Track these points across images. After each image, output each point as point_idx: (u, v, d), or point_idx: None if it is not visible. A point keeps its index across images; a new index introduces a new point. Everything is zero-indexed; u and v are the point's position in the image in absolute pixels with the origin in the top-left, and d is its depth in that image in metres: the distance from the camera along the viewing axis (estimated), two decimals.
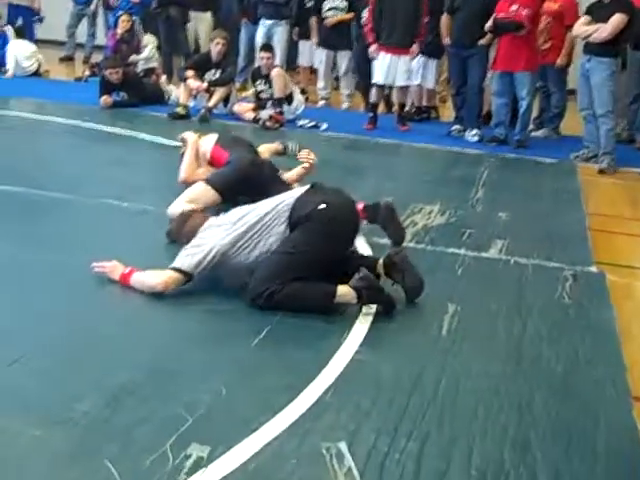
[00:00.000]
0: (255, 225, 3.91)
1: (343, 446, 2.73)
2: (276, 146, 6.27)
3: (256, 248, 3.88)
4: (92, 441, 2.64)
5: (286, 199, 3.98)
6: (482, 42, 8.40)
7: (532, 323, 3.90)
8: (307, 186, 4.11)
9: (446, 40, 8.71)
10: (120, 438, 2.66)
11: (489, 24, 8.20)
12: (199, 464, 2.56)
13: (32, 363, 3.11)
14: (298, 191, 4.08)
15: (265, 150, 6.13)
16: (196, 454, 2.61)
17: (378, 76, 8.75)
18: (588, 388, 3.30)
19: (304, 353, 3.41)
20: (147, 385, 3.02)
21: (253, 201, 5.20)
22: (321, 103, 10.43)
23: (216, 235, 3.93)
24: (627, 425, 3.03)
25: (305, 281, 3.78)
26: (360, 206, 4.80)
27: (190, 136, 5.79)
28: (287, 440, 2.74)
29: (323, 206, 3.87)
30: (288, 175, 5.55)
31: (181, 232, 4.21)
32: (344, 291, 3.79)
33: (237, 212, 4.08)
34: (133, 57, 10.90)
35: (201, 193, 5.05)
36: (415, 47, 8.64)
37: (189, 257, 3.88)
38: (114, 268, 3.98)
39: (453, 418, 2.98)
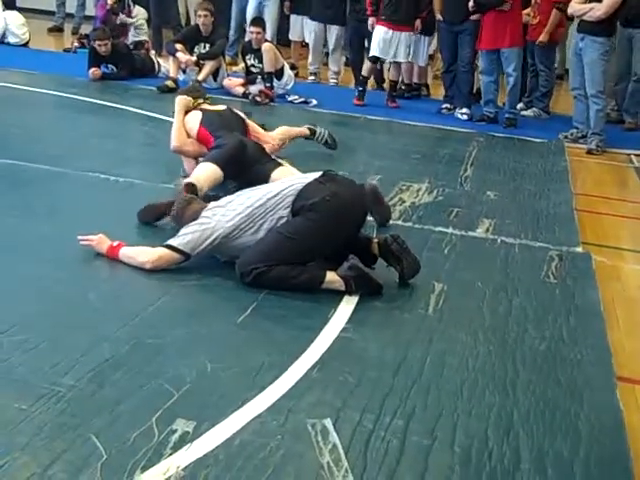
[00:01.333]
0: (259, 208, 3.82)
1: (328, 423, 2.74)
2: (302, 130, 6.26)
3: (260, 230, 3.81)
4: (77, 415, 2.64)
5: (294, 184, 3.88)
6: (474, 17, 8.36)
7: (518, 302, 3.91)
8: (318, 173, 3.98)
9: (438, 16, 8.68)
10: (105, 412, 2.67)
11: (471, 4, 8.18)
12: (184, 439, 2.57)
13: (17, 337, 3.10)
14: (308, 177, 3.96)
15: (284, 132, 6.11)
16: (181, 429, 2.61)
17: (375, 50, 8.72)
18: (572, 368, 3.32)
19: (290, 330, 3.41)
20: (132, 360, 3.02)
21: (241, 181, 5.16)
22: (310, 78, 10.38)
23: (220, 215, 3.86)
24: (610, 405, 3.05)
25: (294, 265, 3.75)
26: None
27: (180, 100, 5.65)
28: (272, 416, 2.75)
29: (328, 198, 3.77)
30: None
31: (183, 217, 4.03)
32: (332, 278, 3.75)
33: (242, 194, 3.99)
34: (122, 17, 10.74)
35: (207, 171, 4.88)
36: (418, 23, 8.67)
37: (189, 235, 3.83)
38: (100, 241, 3.95)
39: (438, 396, 3.00)
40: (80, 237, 3.97)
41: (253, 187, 4.08)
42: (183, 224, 3.97)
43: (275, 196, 3.84)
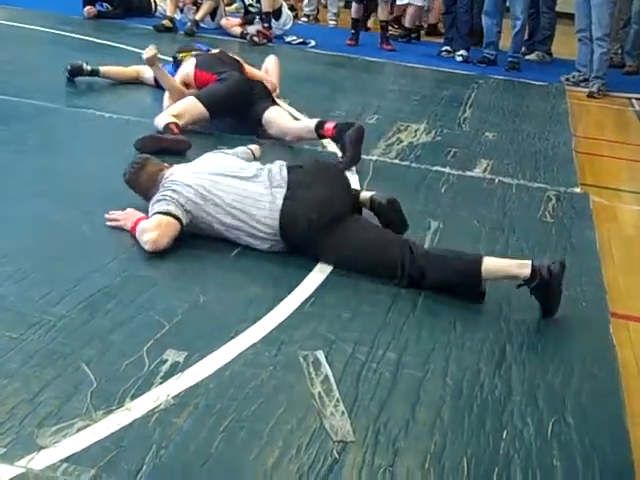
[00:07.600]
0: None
1: (320, 355, 2.73)
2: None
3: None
4: (68, 344, 2.62)
5: (272, 203, 3.36)
6: None
7: (514, 241, 3.89)
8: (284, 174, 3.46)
9: None
10: (96, 342, 2.65)
11: None
12: (175, 369, 2.55)
13: (8, 266, 3.08)
14: (278, 195, 3.39)
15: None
16: (172, 359, 2.60)
17: None
18: (567, 304, 3.29)
19: (284, 265, 3.37)
20: (124, 291, 3.00)
21: (235, 118, 5.08)
22: (303, 20, 10.21)
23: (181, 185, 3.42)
24: (604, 340, 3.04)
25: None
26: (331, 125, 4.62)
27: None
28: (264, 348, 2.74)
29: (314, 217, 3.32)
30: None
31: (138, 182, 3.63)
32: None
33: (214, 167, 3.54)
34: None
35: (189, 107, 4.93)
36: None
37: (164, 201, 3.35)
38: (127, 217, 3.49)
39: (431, 330, 2.99)
40: (107, 216, 3.55)
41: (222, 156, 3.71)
42: (139, 190, 3.63)
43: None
